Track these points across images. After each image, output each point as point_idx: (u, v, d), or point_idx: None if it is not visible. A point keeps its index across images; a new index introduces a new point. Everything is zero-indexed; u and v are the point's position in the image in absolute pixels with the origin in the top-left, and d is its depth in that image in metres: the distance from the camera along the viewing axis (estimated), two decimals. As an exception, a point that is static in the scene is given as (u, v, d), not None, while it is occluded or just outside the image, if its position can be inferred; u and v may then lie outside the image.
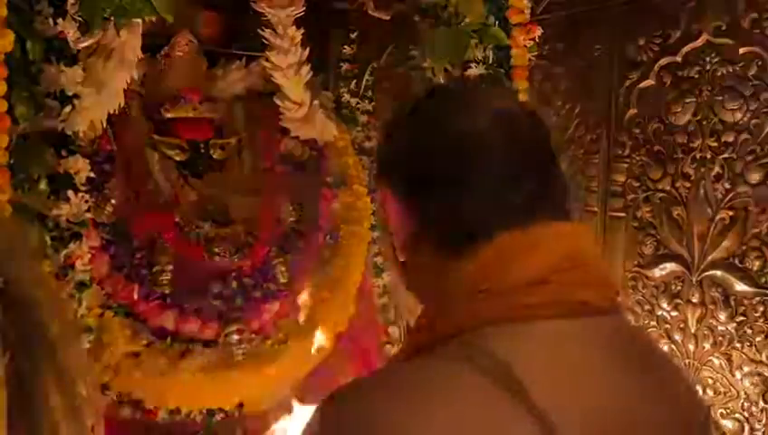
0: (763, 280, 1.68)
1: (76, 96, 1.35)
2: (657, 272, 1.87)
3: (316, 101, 2.04)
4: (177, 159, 1.86)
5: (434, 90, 0.86)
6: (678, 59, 1.82)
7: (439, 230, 0.75)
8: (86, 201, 1.39)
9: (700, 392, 0.85)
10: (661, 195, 1.86)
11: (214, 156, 1.90)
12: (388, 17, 2.00)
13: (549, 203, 0.74)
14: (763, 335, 1.68)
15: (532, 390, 0.62)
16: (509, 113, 0.76)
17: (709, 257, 1.77)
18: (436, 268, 0.74)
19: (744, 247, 1.71)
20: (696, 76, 1.79)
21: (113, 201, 1.74)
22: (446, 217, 0.74)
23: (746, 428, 1.71)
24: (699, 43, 1.78)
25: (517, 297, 0.68)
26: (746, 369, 1.71)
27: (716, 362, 1.76)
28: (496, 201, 0.72)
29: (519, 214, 0.72)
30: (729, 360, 1.74)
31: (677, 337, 1.83)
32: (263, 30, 1.94)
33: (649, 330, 1.87)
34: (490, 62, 1.79)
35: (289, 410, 1.86)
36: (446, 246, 0.74)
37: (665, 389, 0.73)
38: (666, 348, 1.83)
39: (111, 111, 1.63)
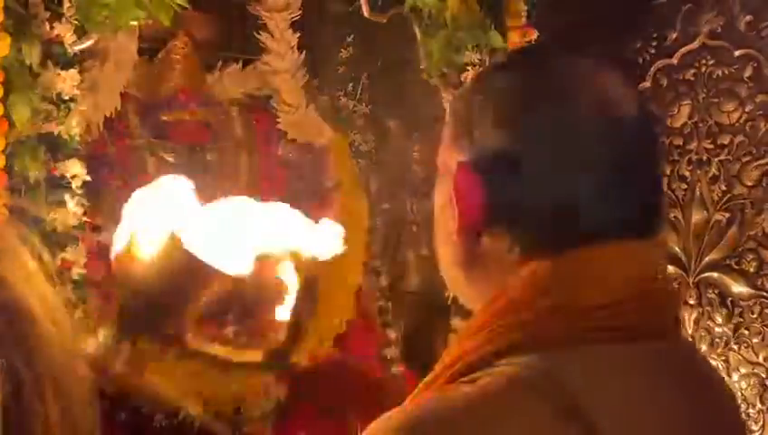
0: (760, 282, 1.69)
1: (73, 99, 1.35)
2: (654, 274, 1.87)
3: (312, 105, 2.04)
4: (174, 162, 1.86)
5: (559, 64, 0.72)
6: (674, 61, 1.82)
7: (515, 229, 0.65)
8: (82, 205, 1.39)
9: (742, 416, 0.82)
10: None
11: (210, 159, 1.90)
12: (384, 20, 2.00)
13: (640, 218, 0.67)
14: (759, 337, 1.69)
15: (597, 423, 0.58)
16: (628, 129, 0.67)
17: (706, 259, 1.78)
18: (502, 271, 0.65)
19: (740, 249, 1.72)
20: (692, 78, 1.79)
21: (110, 205, 1.74)
22: (527, 218, 0.65)
23: (744, 429, 1.71)
24: (695, 45, 1.78)
25: (589, 319, 0.62)
26: (743, 370, 1.71)
27: (713, 363, 1.76)
28: (585, 212, 0.64)
29: (607, 228, 0.64)
30: (726, 361, 1.74)
31: (674, 339, 1.83)
32: (259, 33, 1.94)
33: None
34: (486, 65, 1.80)
35: (287, 412, 1.86)
36: (518, 249, 0.65)
37: (716, 418, 0.69)
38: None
39: (108, 115, 1.64)
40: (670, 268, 1.85)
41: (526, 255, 0.64)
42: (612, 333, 0.62)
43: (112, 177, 1.77)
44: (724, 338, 1.74)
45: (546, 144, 0.65)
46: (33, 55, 1.27)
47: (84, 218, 1.41)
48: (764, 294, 1.68)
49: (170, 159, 1.86)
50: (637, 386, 0.62)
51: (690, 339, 1.81)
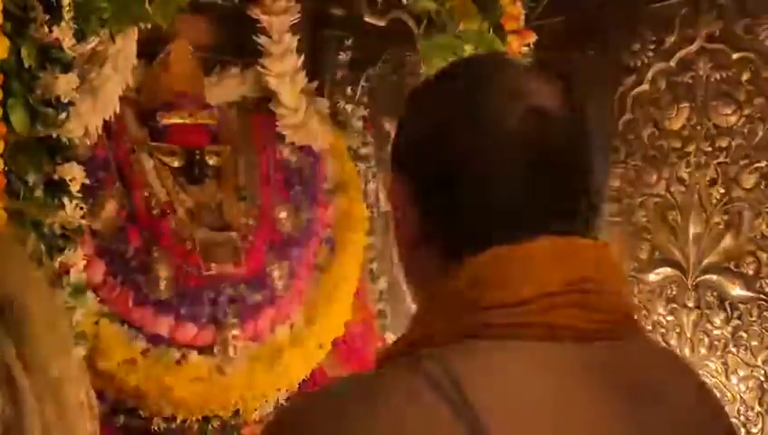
0: (758, 284, 1.69)
1: (71, 103, 1.34)
2: (653, 276, 1.87)
3: (311, 108, 2.04)
4: (173, 165, 1.86)
5: (465, 64, 0.75)
6: (672, 64, 1.83)
7: (442, 233, 0.69)
8: (81, 208, 1.39)
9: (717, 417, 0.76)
10: (656, 199, 1.87)
11: (209, 162, 1.90)
12: (383, 23, 2.01)
13: (564, 216, 0.68)
14: (758, 339, 1.69)
15: (479, 408, 0.58)
16: (545, 113, 0.67)
17: (704, 262, 1.78)
18: (433, 274, 0.69)
19: (738, 252, 1.72)
20: (690, 81, 1.80)
21: (108, 208, 1.74)
22: (450, 221, 0.68)
23: (743, 432, 1.71)
24: (693, 48, 1.79)
25: (493, 316, 0.63)
26: (742, 373, 1.71)
27: (712, 366, 1.76)
28: (502, 210, 0.66)
29: (524, 226, 0.66)
30: (725, 364, 1.74)
31: (673, 342, 1.83)
32: (258, 36, 1.95)
33: (645, 335, 1.87)
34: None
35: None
36: (446, 251, 0.69)
37: (649, 423, 0.65)
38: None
39: (107, 118, 1.63)
40: (669, 271, 1.85)
41: (451, 258, 0.67)
42: (512, 329, 0.63)
43: (111, 180, 1.77)
44: (723, 340, 1.74)
45: (472, 155, 0.67)
46: (31, 58, 1.26)
47: (83, 221, 1.41)
48: (763, 296, 1.68)
49: (169, 163, 1.86)
50: (524, 379, 0.63)
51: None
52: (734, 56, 1.71)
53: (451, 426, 0.58)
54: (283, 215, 1.97)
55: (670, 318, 1.84)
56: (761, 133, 1.68)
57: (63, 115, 1.33)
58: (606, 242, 0.72)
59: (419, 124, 0.72)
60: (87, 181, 1.42)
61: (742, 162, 1.71)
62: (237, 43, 2.09)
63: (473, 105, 0.68)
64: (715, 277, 1.75)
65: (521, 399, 0.61)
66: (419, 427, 0.58)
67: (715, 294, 1.75)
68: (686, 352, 1.80)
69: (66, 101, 1.34)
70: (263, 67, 1.96)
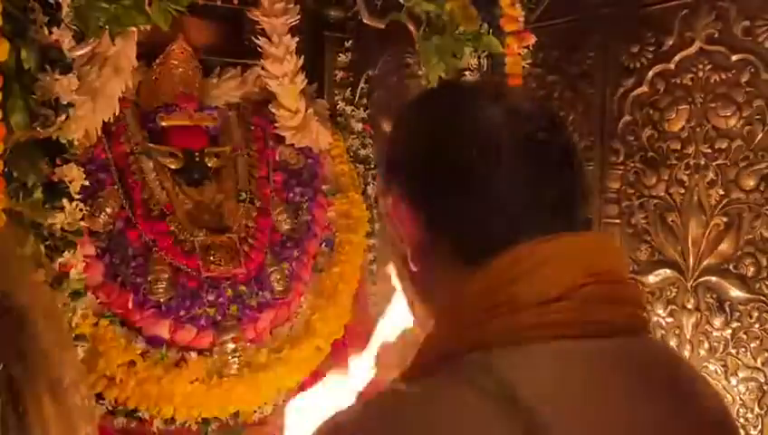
0: (758, 286, 1.69)
1: (71, 104, 1.34)
2: (652, 278, 1.87)
3: (311, 109, 2.04)
4: (172, 167, 1.86)
5: (444, 85, 0.81)
6: (672, 66, 1.83)
7: (451, 240, 0.70)
8: (81, 210, 1.39)
9: (726, 414, 0.76)
10: (656, 201, 1.87)
11: (209, 164, 1.90)
12: (382, 25, 2.01)
13: (568, 212, 0.69)
14: (758, 341, 1.69)
15: (537, 415, 0.58)
16: (525, 111, 0.71)
17: (704, 263, 1.78)
18: (449, 281, 0.69)
19: (738, 253, 1.72)
20: (690, 83, 1.80)
21: (108, 210, 1.74)
22: (458, 226, 0.69)
23: (742, 434, 1.71)
24: (692, 50, 1.79)
25: (530, 316, 0.63)
26: (741, 375, 1.71)
27: (712, 367, 1.76)
28: (510, 210, 0.67)
29: (535, 224, 0.67)
30: (724, 366, 1.74)
31: (673, 343, 1.83)
32: (258, 38, 1.95)
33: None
34: (484, 69, 1.80)
35: (284, 418, 1.86)
36: (458, 257, 0.69)
37: (683, 413, 0.67)
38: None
39: (106, 120, 1.64)
40: (669, 272, 1.85)
41: (465, 262, 0.68)
42: (555, 329, 0.63)
43: (111, 181, 1.77)
44: (723, 342, 1.74)
45: (469, 154, 0.69)
46: (31, 60, 1.26)
47: (82, 223, 1.41)
48: (762, 298, 1.68)
49: (168, 164, 1.86)
50: (578, 380, 0.63)
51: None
52: (734, 58, 1.71)
53: None
54: (282, 216, 1.97)
55: (670, 320, 1.84)
56: (760, 135, 1.68)
57: (63, 117, 1.33)
58: (607, 234, 0.73)
59: (416, 136, 0.74)
60: (86, 183, 1.42)
61: (741, 164, 1.71)
62: (237, 44, 2.09)
63: (462, 112, 0.71)
64: (714, 279, 1.75)
65: (572, 401, 0.61)
66: None
67: (714, 295, 1.75)
68: (686, 353, 1.80)
69: (66, 102, 1.33)
70: (262, 69, 1.97)
